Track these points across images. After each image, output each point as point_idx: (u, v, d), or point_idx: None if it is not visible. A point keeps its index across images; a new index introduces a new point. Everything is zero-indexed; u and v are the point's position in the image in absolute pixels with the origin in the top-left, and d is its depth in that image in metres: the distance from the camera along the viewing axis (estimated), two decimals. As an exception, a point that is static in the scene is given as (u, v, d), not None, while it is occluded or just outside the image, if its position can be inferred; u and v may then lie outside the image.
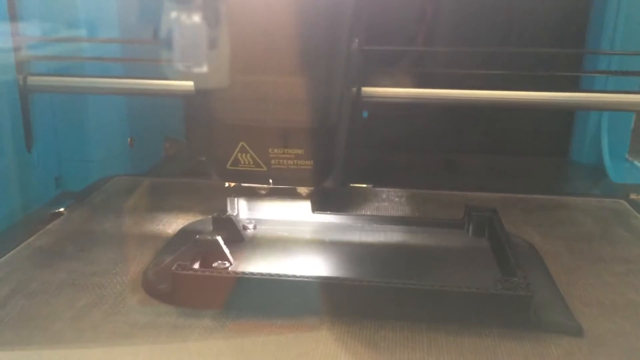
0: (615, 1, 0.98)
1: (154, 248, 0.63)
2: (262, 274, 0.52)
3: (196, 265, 0.54)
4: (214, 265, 0.55)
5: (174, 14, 0.60)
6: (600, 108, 0.95)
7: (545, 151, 1.12)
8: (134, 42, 0.86)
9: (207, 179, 0.83)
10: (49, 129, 0.82)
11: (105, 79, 0.79)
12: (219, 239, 0.55)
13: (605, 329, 0.50)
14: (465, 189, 0.83)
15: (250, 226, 0.65)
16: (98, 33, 0.82)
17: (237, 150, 0.62)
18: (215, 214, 0.64)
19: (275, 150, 0.61)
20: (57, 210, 0.73)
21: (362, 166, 0.98)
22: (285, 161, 0.62)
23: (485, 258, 0.60)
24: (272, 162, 0.62)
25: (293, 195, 0.66)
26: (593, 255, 0.64)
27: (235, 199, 0.67)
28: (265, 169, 0.62)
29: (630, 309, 0.53)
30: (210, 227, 0.63)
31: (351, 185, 0.84)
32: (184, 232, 0.67)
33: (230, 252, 0.56)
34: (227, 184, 0.66)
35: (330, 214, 0.68)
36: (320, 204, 0.68)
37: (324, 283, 0.51)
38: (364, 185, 0.84)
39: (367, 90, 0.74)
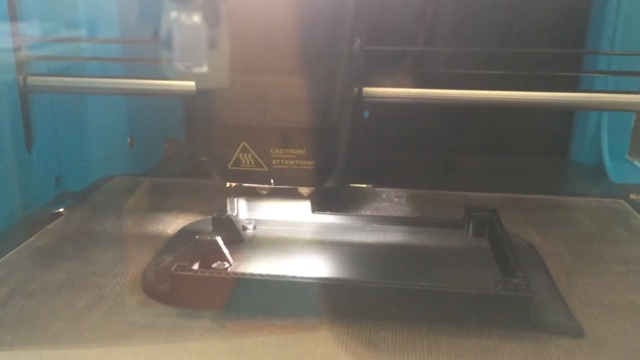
0: (615, 1, 0.98)
1: (154, 248, 0.63)
2: (261, 275, 0.52)
3: (196, 266, 0.54)
4: (213, 265, 0.55)
5: (174, 14, 0.60)
6: (600, 108, 0.95)
7: (545, 151, 1.12)
8: (134, 42, 0.86)
9: (207, 179, 0.83)
10: (49, 129, 0.82)
11: (105, 79, 0.79)
12: (219, 239, 0.55)
13: (605, 330, 0.50)
14: (465, 189, 0.83)
15: (250, 226, 0.65)
16: (98, 33, 0.82)
17: (238, 150, 0.62)
18: (215, 214, 0.64)
19: (277, 151, 0.61)
20: (57, 211, 0.73)
21: (362, 166, 0.98)
22: (286, 161, 0.62)
23: (485, 258, 0.60)
24: (274, 162, 0.62)
25: (294, 195, 0.66)
26: (593, 255, 0.64)
27: (235, 199, 0.67)
28: (266, 169, 0.62)
29: (631, 309, 0.53)
30: (210, 228, 0.63)
31: (351, 185, 0.83)
32: (183, 232, 0.67)
33: (230, 253, 0.56)
34: (228, 184, 0.66)
35: (330, 214, 0.68)
36: (320, 204, 0.68)
37: (324, 284, 0.51)
38: (364, 185, 0.84)
39: (368, 90, 0.74)
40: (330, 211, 0.68)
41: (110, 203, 0.77)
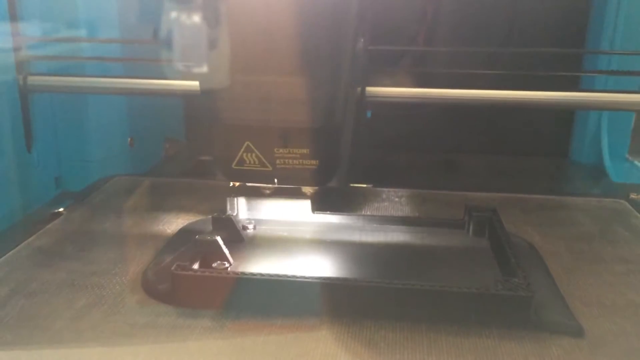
0: (615, 1, 0.98)
1: (154, 248, 0.63)
2: (261, 274, 0.52)
3: (196, 266, 0.54)
4: (213, 265, 0.55)
5: (174, 14, 0.60)
6: (600, 108, 0.95)
7: (545, 151, 1.12)
8: (134, 42, 0.86)
9: (207, 179, 0.84)
10: (49, 129, 0.82)
11: (105, 79, 0.79)
12: (219, 239, 0.55)
13: (605, 329, 0.50)
14: (466, 188, 0.83)
15: (250, 226, 0.65)
16: (98, 33, 0.82)
17: (242, 150, 0.62)
18: (215, 214, 0.64)
19: (281, 150, 0.61)
20: (56, 210, 0.73)
21: (362, 166, 0.98)
22: (290, 161, 0.62)
23: (485, 258, 0.60)
24: (278, 161, 0.62)
25: (297, 195, 0.66)
26: (593, 255, 0.64)
27: (235, 199, 0.67)
28: (270, 168, 0.63)
29: (631, 309, 0.53)
30: (210, 227, 0.63)
31: (351, 185, 0.84)
32: (183, 232, 0.67)
33: (230, 252, 0.56)
34: (232, 184, 0.66)
35: (330, 214, 0.68)
36: (320, 204, 0.68)
37: (324, 283, 0.51)
38: (364, 185, 0.84)
39: (371, 90, 0.74)
40: (330, 211, 0.68)
41: (110, 203, 0.77)
